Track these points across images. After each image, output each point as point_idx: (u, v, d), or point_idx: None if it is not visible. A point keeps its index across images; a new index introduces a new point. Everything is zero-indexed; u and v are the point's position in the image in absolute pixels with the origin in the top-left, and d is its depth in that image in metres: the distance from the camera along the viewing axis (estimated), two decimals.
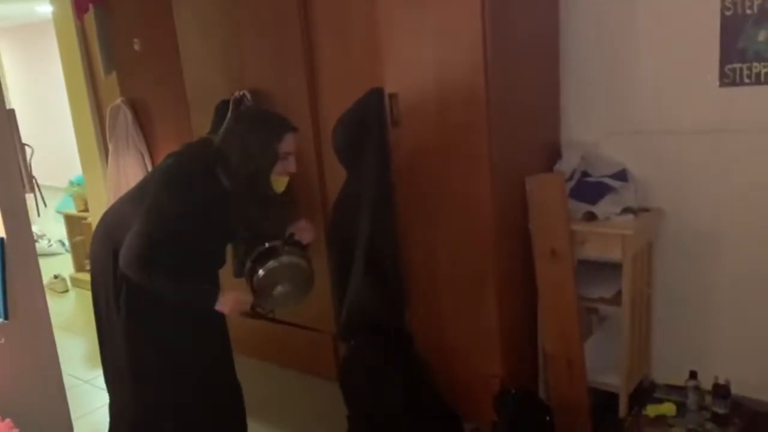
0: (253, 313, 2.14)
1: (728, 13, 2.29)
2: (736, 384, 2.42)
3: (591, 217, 2.48)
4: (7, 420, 1.83)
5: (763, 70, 2.26)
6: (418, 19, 2.33)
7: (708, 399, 2.44)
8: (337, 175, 2.72)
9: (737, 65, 2.31)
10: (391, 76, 2.45)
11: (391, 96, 2.45)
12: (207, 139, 2.17)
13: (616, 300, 2.48)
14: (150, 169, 3.76)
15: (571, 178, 2.60)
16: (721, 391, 2.39)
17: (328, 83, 2.80)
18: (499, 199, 2.36)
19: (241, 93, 2.95)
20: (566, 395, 2.48)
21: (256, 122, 2.04)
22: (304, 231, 2.18)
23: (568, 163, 2.63)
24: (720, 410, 2.39)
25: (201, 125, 3.14)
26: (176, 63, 3.29)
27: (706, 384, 2.45)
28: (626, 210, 2.47)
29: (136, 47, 3.65)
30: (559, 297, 2.45)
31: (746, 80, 2.30)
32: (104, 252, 2.09)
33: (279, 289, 2.11)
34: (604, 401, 2.54)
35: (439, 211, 2.45)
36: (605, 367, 2.58)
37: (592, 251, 2.47)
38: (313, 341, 3.13)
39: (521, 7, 2.41)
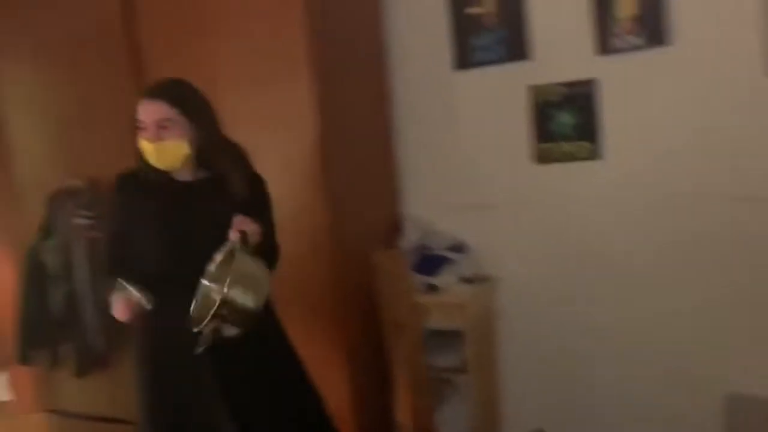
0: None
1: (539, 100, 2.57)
2: None
3: (432, 288, 2.60)
4: None
5: (570, 149, 2.55)
6: (254, 105, 2.39)
7: None
8: None
9: (549, 144, 2.58)
10: None
11: None
12: None
13: (462, 367, 2.58)
14: None
15: (413, 252, 2.72)
16: None
17: None
18: (344, 278, 2.41)
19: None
20: None
21: None
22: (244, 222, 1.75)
23: (410, 238, 2.76)
24: None
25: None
26: None
27: None
28: (464, 279, 2.61)
29: None
30: (409, 368, 2.50)
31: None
32: None
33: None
34: None
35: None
36: None
37: (436, 321, 2.58)
38: None
39: (354, 95, 2.55)
